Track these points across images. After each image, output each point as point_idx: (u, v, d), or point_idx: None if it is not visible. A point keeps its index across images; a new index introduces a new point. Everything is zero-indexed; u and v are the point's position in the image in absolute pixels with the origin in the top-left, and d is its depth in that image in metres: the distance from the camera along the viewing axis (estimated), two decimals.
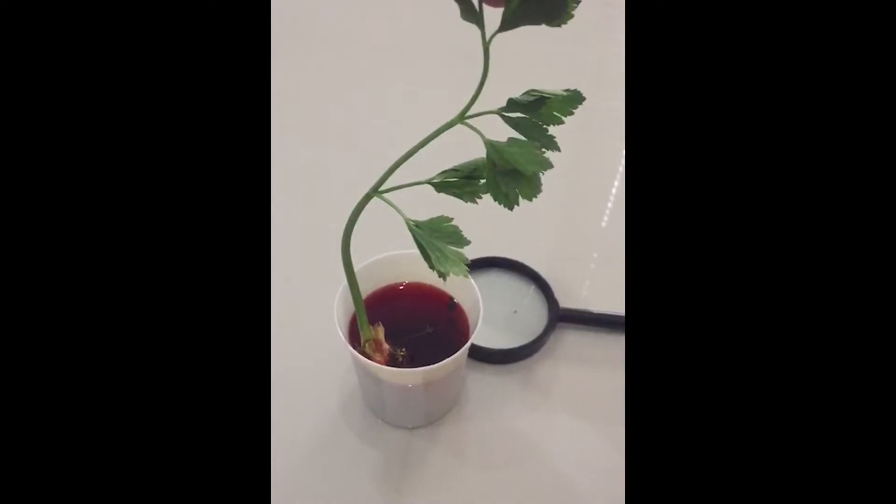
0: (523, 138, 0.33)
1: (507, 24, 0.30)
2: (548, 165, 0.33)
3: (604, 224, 0.63)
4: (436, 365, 0.40)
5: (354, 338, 0.43)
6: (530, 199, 0.33)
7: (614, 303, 0.53)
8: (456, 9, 0.30)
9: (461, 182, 0.34)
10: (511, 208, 0.34)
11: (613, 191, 0.66)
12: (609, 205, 0.65)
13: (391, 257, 0.46)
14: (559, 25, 0.29)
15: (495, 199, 0.34)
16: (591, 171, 0.63)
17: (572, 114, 0.33)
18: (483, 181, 0.34)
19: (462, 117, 0.33)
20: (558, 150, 0.33)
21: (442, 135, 0.33)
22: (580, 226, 0.62)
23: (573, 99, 0.32)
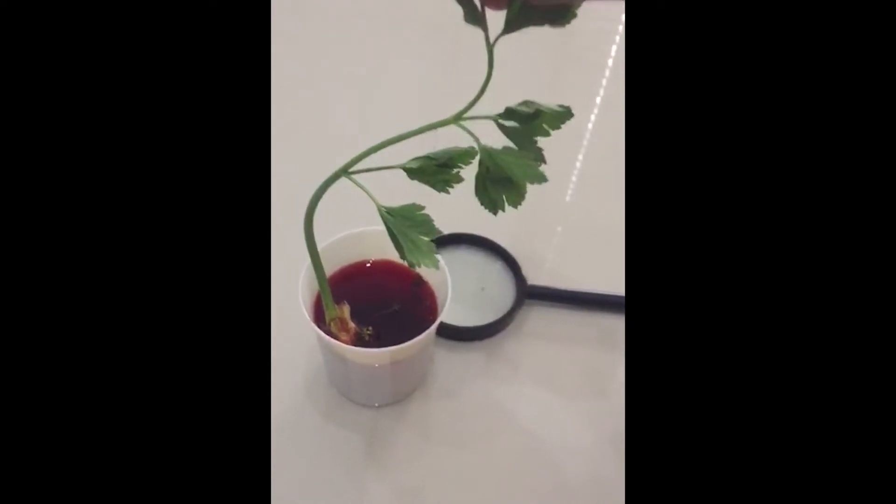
0: (514, 147, 0.34)
1: (510, 26, 0.30)
2: (542, 178, 0.33)
3: (568, 198, 0.63)
4: (403, 344, 0.39)
5: (320, 317, 0.42)
6: (515, 207, 0.34)
7: (581, 279, 0.53)
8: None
9: (434, 170, 0.34)
10: (496, 213, 0.34)
11: (577, 165, 0.66)
12: (573, 180, 0.64)
13: (357, 234, 0.45)
14: (563, 26, 0.29)
15: (482, 204, 0.34)
16: (554, 145, 0.63)
17: (559, 128, 0.33)
18: (456, 171, 0.34)
19: (457, 118, 0.33)
20: (545, 162, 0.34)
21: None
22: (545, 201, 0.62)
23: (563, 115, 0.33)
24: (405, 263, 0.45)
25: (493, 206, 0.34)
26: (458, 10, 0.30)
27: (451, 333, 0.48)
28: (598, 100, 0.73)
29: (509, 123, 0.33)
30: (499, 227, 0.55)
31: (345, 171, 0.35)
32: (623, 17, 0.83)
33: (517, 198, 0.34)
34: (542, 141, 0.34)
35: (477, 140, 0.33)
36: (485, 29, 0.30)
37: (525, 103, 0.33)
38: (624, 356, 0.49)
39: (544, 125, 0.33)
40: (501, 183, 0.34)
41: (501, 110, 0.33)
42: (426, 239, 0.35)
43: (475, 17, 0.30)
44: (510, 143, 0.34)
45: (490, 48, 0.30)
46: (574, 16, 0.29)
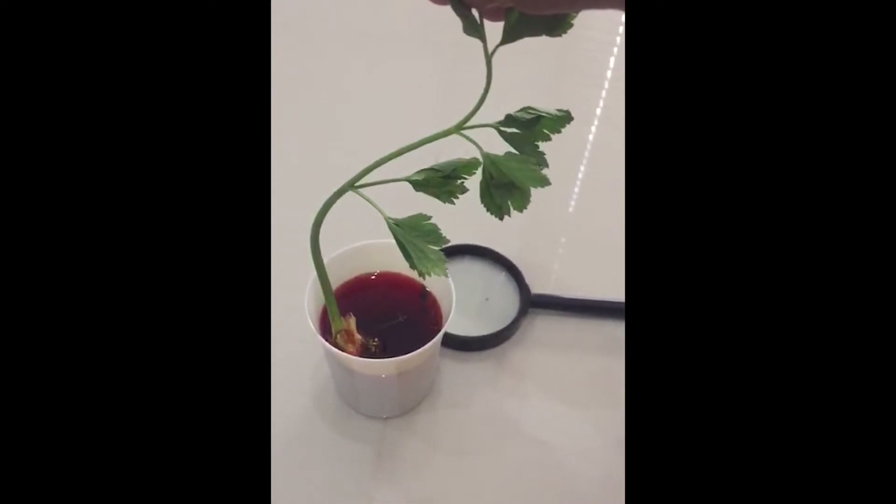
0: (517, 153, 0.34)
1: (508, 37, 0.31)
2: (545, 182, 0.34)
3: (571, 209, 0.63)
4: (409, 355, 0.39)
5: (326, 329, 0.42)
6: (521, 210, 0.35)
7: (584, 287, 0.53)
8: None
9: (440, 181, 0.34)
10: (501, 218, 0.35)
11: (580, 176, 0.66)
12: (575, 190, 0.65)
13: (362, 247, 0.45)
14: (559, 35, 0.30)
15: (488, 210, 0.35)
16: (557, 157, 0.64)
17: (560, 132, 0.34)
18: (461, 181, 0.34)
19: (459, 128, 0.33)
20: (547, 166, 0.35)
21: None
22: (548, 211, 0.63)
23: (563, 119, 0.33)
24: (410, 275, 0.46)
25: (499, 211, 0.34)
26: (458, 23, 0.31)
27: (456, 344, 0.49)
28: (598, 111, 0.74)
29: (510, 130, 0.34)
30: (503, 238, 0.56)
31: (351, 186, 0.35)
32: (621, 28, 0.84)
33: (522, 202, 0.34)
34: (546, 154, 0.35)
35: (479, 148, 0.34)
36: (483, 40, 0.31)
37: (525, 109, 0.33)
38: None
39: (545, 130, 0.34)
40: (506, 188, 0.34)
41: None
42: (434, 248, 0.36)
43: (474, 29, 0.30)
44: (512, 151, 0.35)
45: (489, 58, 0.31)
46: (570, 26, 0.30)
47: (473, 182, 0.35)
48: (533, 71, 0.76)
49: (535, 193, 0.35)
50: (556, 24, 0.30)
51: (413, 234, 0.36)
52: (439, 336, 0.41)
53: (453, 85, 0.76)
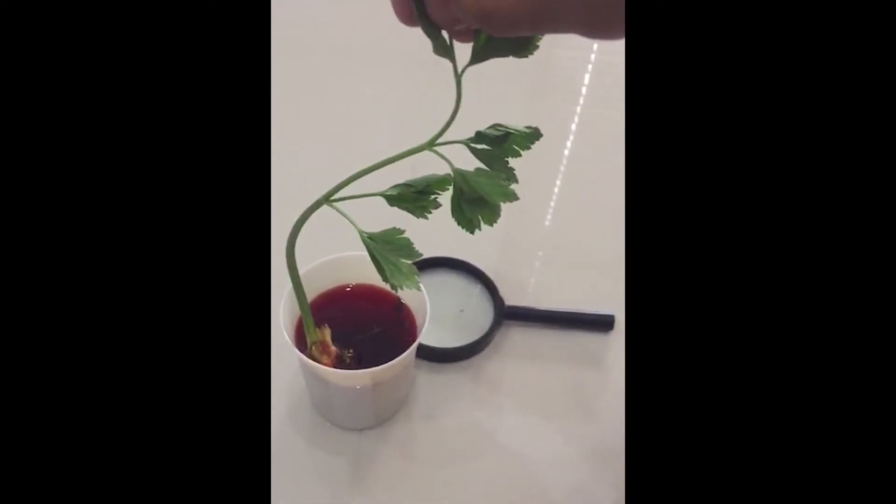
0: (487, 168, 0.35)
1: (476, 58, 0.32)
2: (513, 197, 0.35)
3: (547, 223, 0.64)
4: (383, 366, 0.40)
5: (301, 341, 0.43)
6: (491, 225, 0.35)
7: (560, 299, 0.54)
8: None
9: (413, 197, 0.35)
10: (472, 232, 0.35)
11: (556, 190, 0.67)
12: (552, 204, 0.66)
13: (338, 259, 0.46)
14: (525, 56, 0.31)
15: (459, 224, 0.35)
16: (533, 170, 0.64)
17: (529, 148, 0.34)
18: (434, 197, 0.35)
19: (431, 144, 0.34)
20: (517, 181, 0.35)
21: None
22: (524, 225, 0.63)
23: (532, 136, 0.34)
24: (385, 287, 0.46)
25: (470, 225, 0.35)
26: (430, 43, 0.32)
27: (431, 355, 0.49)
28: (573, 127, 0.75)
29: (480, 146, 0.35)
30: (479, 251, 0.56)
31: (327, 200, 0.36)
32: (595, 45, 0.86)
33: (492, 216, 0.35)
34: (523, 169, 0.36)
35: (450, 163, 0.34)
36: (453, 60, 0.32)
37: (494, 127, 0.34)
38: (601, 372, 0.50)
39: (514, 146, 0.34)
40: (476, 203, 0.35)
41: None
42: (407, 262, 0.36)
43: (444, 49, 0.31)
44: (483, 167, 0.35)
45: (458, 78, 0.32)
46: (536, 48, 0.31)
47: (447, 196, 0.36)
48: (508, 88, 0.77)
49: (512, 207, 0.36)
50: (522, 46, 0.31)
51: (386, 248, 0.36)
52: (413, 347, 0.41)
53: (430, 104, 0.76)
